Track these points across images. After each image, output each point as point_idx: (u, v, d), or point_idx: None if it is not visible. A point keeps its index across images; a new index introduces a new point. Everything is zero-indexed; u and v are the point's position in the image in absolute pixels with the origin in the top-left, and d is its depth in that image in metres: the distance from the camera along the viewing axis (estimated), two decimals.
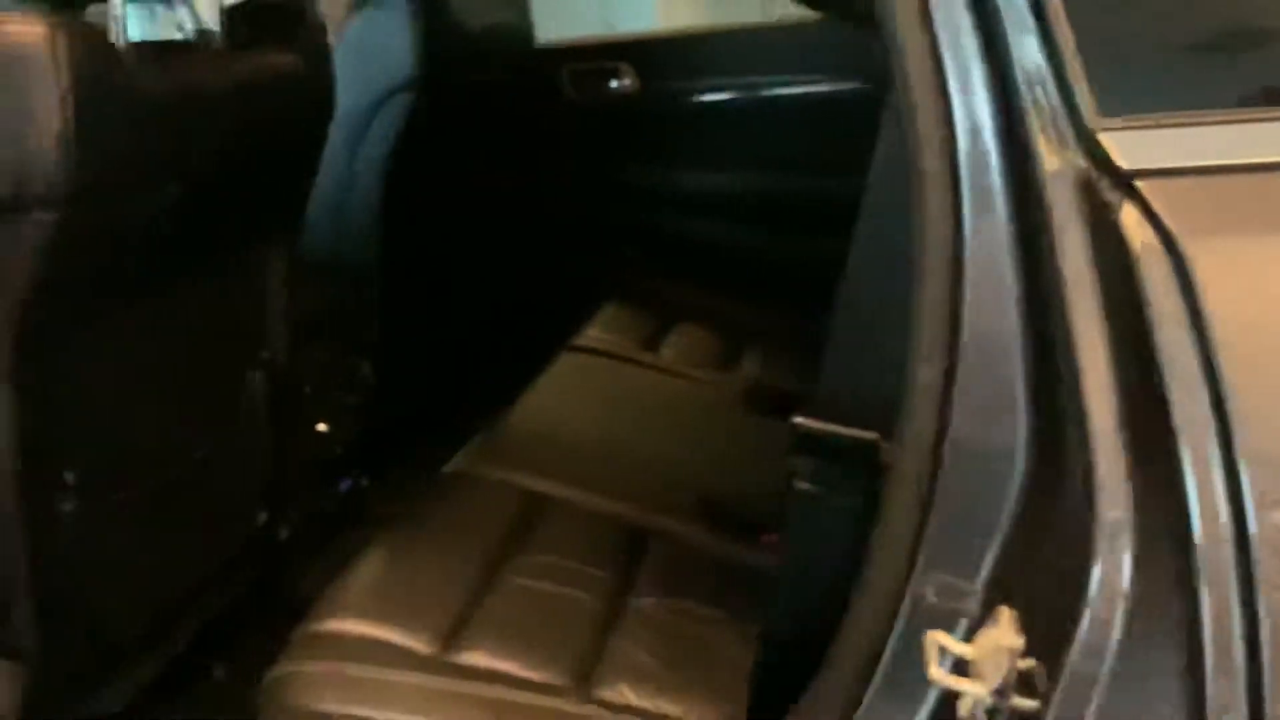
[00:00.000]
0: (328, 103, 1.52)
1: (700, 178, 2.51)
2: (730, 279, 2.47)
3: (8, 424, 1.16)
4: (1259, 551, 0.63)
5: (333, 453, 1.96)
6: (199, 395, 1.48)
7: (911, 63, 0.73)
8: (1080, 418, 0.62)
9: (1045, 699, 0.66)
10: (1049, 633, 0.68)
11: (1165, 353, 0.63)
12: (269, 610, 1.84)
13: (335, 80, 1.53)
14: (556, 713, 1.18)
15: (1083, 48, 0.67)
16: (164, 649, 1.52)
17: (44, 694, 1.27)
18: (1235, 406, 0.63)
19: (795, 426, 0.90)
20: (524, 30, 2.39)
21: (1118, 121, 0.69)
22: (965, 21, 0.70)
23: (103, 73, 1.08)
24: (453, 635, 1.26)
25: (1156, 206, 0.66)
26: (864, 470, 0.87)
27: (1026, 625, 0.70)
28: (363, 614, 1.26)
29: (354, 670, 1.18)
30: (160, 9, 1.25)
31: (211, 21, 1.32)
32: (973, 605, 0.76)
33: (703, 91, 2.49)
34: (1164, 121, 0.70)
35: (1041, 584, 0.71)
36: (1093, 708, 0.65)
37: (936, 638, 0.74)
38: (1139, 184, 0.67)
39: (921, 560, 0.77)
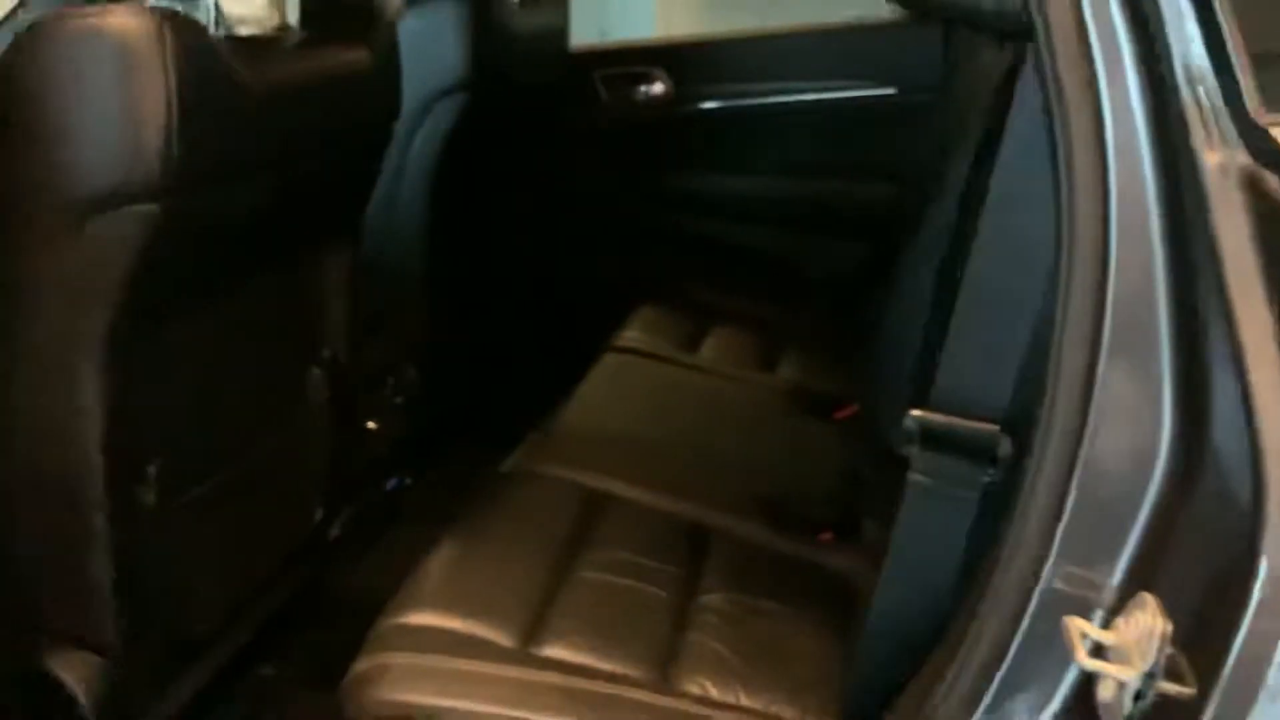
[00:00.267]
0: (396, 99, 1.53)
1: (732, 182, 2.53)
2: (764, 282, 2.49)
3: (95, 416, 1.16)
4: None
5: (380, 451, 1.97)
6: (266, 391, 1.49)
7: (1062, 60, 0.74)
8: (1248, 420, 0.63)
9: (1203, 692, 0.67)
10: (1199, 627, 0.69)
11: None
12: (316, 609, 1.84)
13: (401, 77, 1.54)
14: (642, 705, 1.19)
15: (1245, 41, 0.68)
16: (226, 647, 1.52)
17: (123, 688, 1.27)
18: None
19: (912, 419, 0.91)
20: (562, 33, 2.41)
21: None
22: (1118, 16, 0.72)
23: (206, 65, 1.09)
24: (532, 629, 1.26)
25: None
26: (983, 462, 0.88)
27: (1171, 614, 0.71)
28: (443, 607, 1.26)
29: (441, 663, 1.19)
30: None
31: (291, 16, 1.33)
32: (1108, 595, 0.77)
33: (735, 96, 2.52)
34: None
35: (1187, 577, 0.72)
36: (1256, 709, 0.66)
37: (1078, 624, 0.75)
38: None
39: (1057, 549, 0.78)
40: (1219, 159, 0.67)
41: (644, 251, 2.49)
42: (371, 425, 1.93)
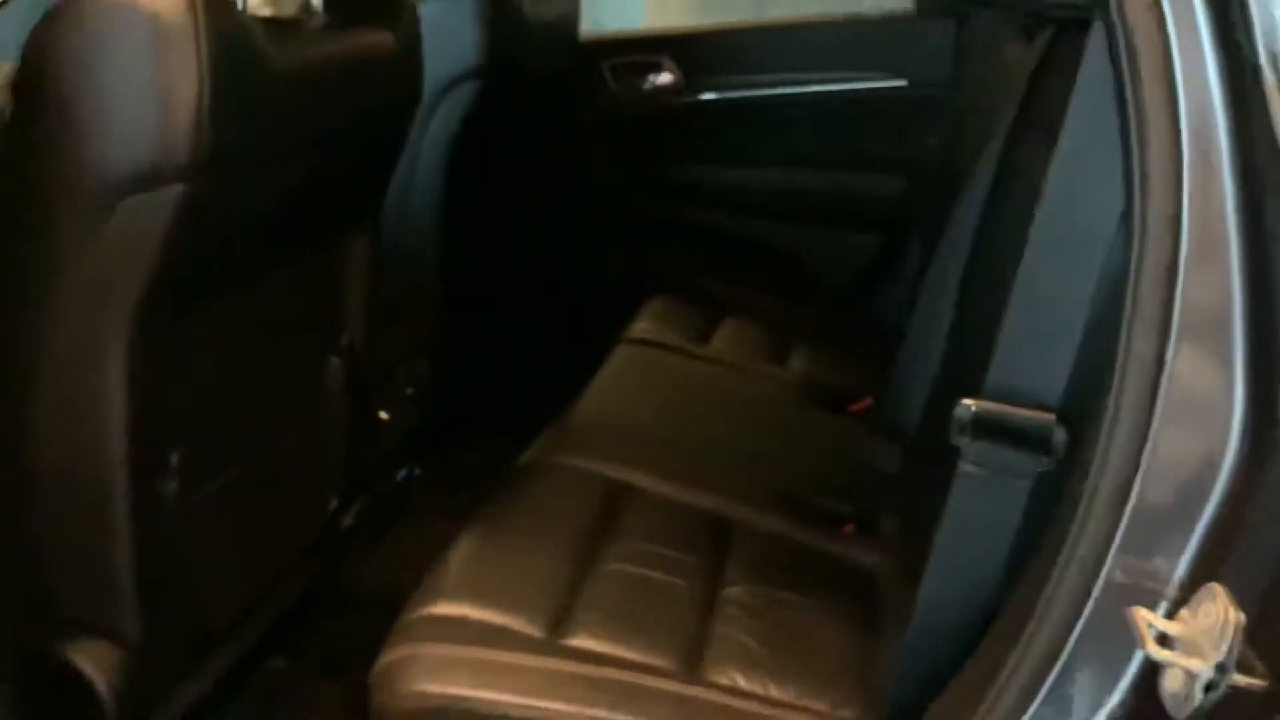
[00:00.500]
0: (418, 84, 1.51)
1: (741, 174, 2.52)
2: (773, 275, 2.48)
3: (119, 403, 1.14)
4: None
5: (391, 442, 1.95)
6: (286, 380, 1.47)
7: (1136, 32, 0.73)
8: None
9: (1277, 684, 0.66)
10: (1269, 619, 0.68)
11: None
12: (327, 600, 1.82)
13: (423, 61, 1.53)
14: (671, 695, 1.18)
15: None
16: (243, 639, 1.50)
17: (142, 679, 1.25)
18: None
19: (965, 409, 0.90)
20: (573, 22, 2.39)
21: None
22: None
23: (237, 44, 1.07)
24: (559, 619, 1.25)
25: None
26: (1037, 451, 0.87)
27: (1241, 606, 0.70)
28: (469, 598, 1.25)
29: (470, 653, 1.17)
30: None
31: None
32: (1173, 586, 0.76)
33: (744, 87, 2.51)
34: None
35: (1257, 568, 0.71)
36: None
37: (1144, 615, 0.74)
38: None
39: (1121, 539, 0.77)
40: None
41: (654, 244, 2.48)
42: (383, 415, 1.91)
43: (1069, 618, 0.79)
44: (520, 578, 1.31)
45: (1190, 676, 0.72)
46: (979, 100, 1.86)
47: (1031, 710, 0.81)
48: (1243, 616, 0.70)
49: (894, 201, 2.41)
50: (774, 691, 1.22)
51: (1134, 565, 0.78)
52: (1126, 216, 0.73)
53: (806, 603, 1.38)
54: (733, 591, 1.37)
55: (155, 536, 1.23)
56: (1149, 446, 0.75)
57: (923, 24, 2.45)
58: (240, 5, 1.15)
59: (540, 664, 1.17)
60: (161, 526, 1.24)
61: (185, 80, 1.02)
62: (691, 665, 1.23)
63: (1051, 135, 1.30)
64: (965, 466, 0.92)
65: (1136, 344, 0.72)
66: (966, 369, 1.40)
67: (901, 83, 2.43)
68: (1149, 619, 0.74)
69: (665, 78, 2.52)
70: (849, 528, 1.57)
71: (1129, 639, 0.78)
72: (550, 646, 1.21)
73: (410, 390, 1.98)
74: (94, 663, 1.21)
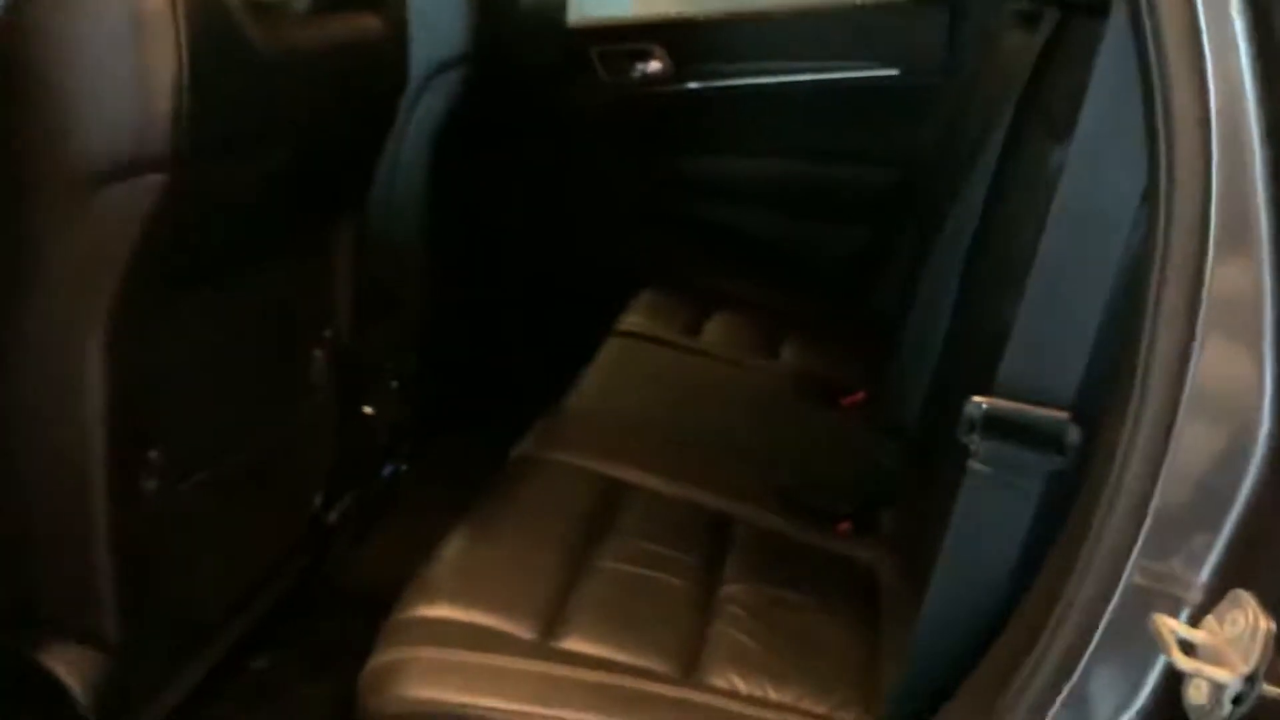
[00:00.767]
0: (404, 70, 1.47)
1: (732, 164, 2.48)
2: (764, 266, 2.45)
3: (97, 397, 1.10)
4: None
5: (378, 437, 1.91)
6: (270, 374, 1.43)
7: (1162, 13, 0.70)
8: None
9: None
10: None
11: None
12: (311, 598, 1.79)
13: (410, 46, 1.49)
14: (669, 700, 1.15)
15: None
16: (226, 639, 1.47)
17: (123, 683, 1.21)
18: None
19: (976, 406, 0.87)
20: (561, 8, 2.35)
21: None
22: None
23: (218, 26, 1.03)
24: (552, 621, 1.22)
25: None
26: (1049, 450, 0.85)
27: (1270, 613, 0.68)
28: (460, 599, 1.22)
29: (463, 657, 1.14)
30: None
31: None
32: (1197, 592, 0.73)
33: (735, 75, 2.47)
34: None
35: None
36: None
37: (1168, 623, 0.72)
38: None
39: (1142, 543, 0.74)
40: None
41: (643, 235, 2.44)
42: (368, 410, 1.87)
43: (1087, 624, 0.76)
44: (512, 578, 1.28)
45: (1217, 688, 0.69)
46: (977, 90, 1.83)
47: (1048, 718, 0.78)
48: (1273, 625, 0.67)
49: (887, 192, 2.38)
50: (773, 694, 1.19)
51: (1156, 569, 0.75)
52: (1149, 205, 0.70)
53: (805, 601, 1.35)
54: (730, 590, 1.34)
55: (135, 536, 1.19)
56: (1172, 444, 0.72)
57: (915, 12, 2.42)
58: None
59: (532, 668, 1.14)
60: (142, 526, 1.20)
61: (164, 65, 0.98)
62: (688, 668, 1.20)
63: (1056, 126, 1.28)
64: (975, 465, 0.89)
65: (1160, 337, 0.69)
66: (969, 364, 1.38)
67: (894, 72, 2.40)
68: (1173, 626, 0.72)
69: (655, 66, 2.48)
70: (847, 524, 1.55)
71: (1150, 646, 0.75)
72: (543, 650, 1.17)
73: (396, 384, 1.94)
74: (72, 667, 1.17)
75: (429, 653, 1.14)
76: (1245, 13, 0.67)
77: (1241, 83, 0.67)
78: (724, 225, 2.48)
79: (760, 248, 2.48)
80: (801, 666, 1.23)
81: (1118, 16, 0.79)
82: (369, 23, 1.36)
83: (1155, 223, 0.69)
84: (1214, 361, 0.69)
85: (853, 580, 1.44)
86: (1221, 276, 0.68)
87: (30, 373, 1.09)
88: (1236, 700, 0.68)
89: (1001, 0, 2.00)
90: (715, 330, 2.15)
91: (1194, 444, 0.72)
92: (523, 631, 1.19)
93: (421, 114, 1.91)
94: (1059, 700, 0.78)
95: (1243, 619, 0.69)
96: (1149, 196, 0.72)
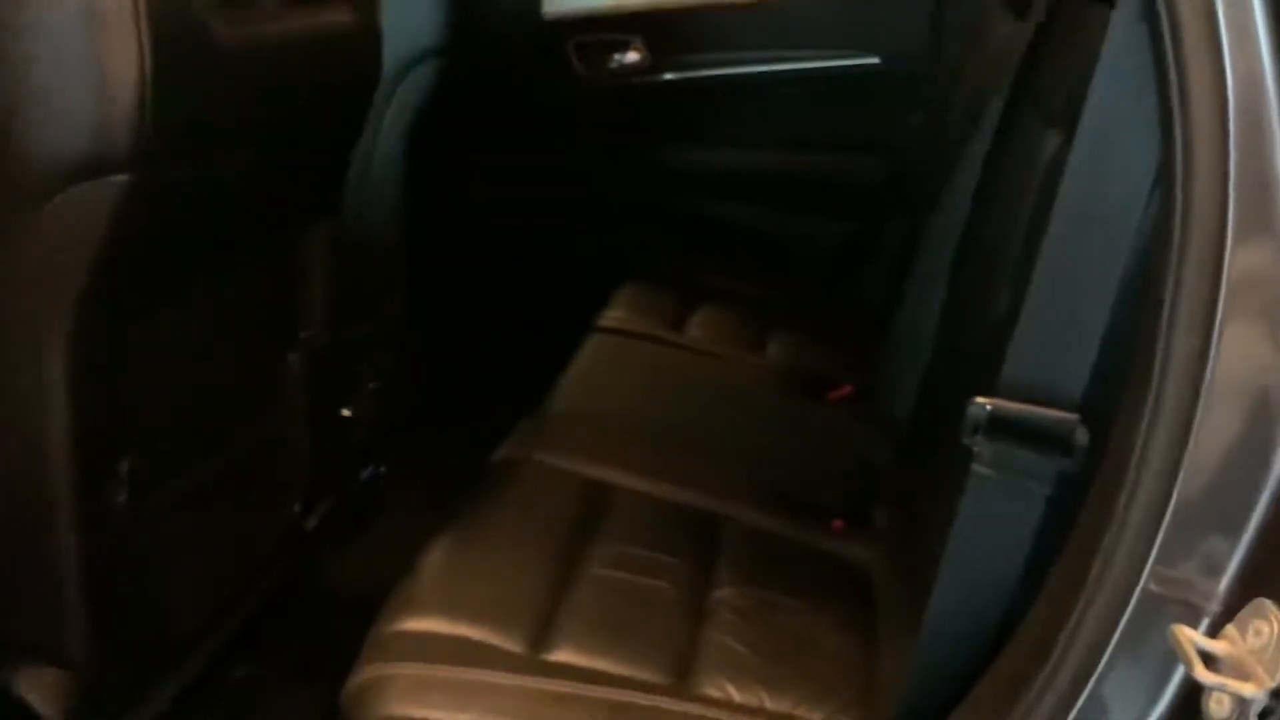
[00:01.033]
0: (377, 64, 1.43)
1: (712, 155, 2.45)
2: (746, 258, 2.41)
3: (60, 409, 1.06)
4: None
5: (356, 440, 1.86)
6: (243, 378, 1.39)
7: (1184, 11, 0.67)
8: None
9: None
10: None
11: None
12: (292, 605, 1.74)
13: (383, 39, 1.44)
14: (661, 712, 1.12)
15: None
16: (203, 651, 1.42)
17: (95, 703, 1.17)
18: None
19: (980, 407, 0.84)
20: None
21: None
22: None
23: (182, 19, 0.98)
24: (540, 632, 1.18)
25: None
26: (1056, 453, 0.82)
27: None
28: (444, 611, 1.18)
29: (448, 673, 1.10)
30: None
31: None
32: (1217, 601, 0.70)
33: (714, 66, 2.43)
34: None
35: None
36: None
37: (1187, 634, 0.69)
38: None
39: (1159, 548, 0.71)
40: None
41: (623, 228, 2.40)
42: (346, 413, 1.83)
43: (1102, 633, 0.73)
44: (497, 588, 1.24)
45: (1241, 702, 0.66)
46: (964, 77, 1.79)
47: None
48: None
49: (872, 183, 2.35)
50: (769, 702, 1.16)
51: (1173, 576, 0.72)
52: (1163, 191, 0.67)
53: (799, 604, 1.32)
54: (722, 594, 1.31)
55: (104, 552, 1.14)
56: (1190, 443, 0.69)
57: (895, 1, 2.38)
58: None
59: (521, 683, 1.10)
60: (112, 541, 1.15)
61: (125, 60, 0.93)
62: (681, 678, 1.17)
63: (1051, 112, 1.25)
64: (980, 469, 0.86)
65: (1178, 330, 0.66)
66: (962, 357, 1.35)
67: (875, 60, 2.37)
68: (1192, 637, 0.69)
69: (632, 56, 2.44)
70: (839, 522, 1.52)
71: (1167, 657, 0.72)
72: (531, 663, 1.14)
73: (374, 385, 1.90)
74: (42, 690, 1.13)
75: (413, 668, 1.10)
76: None
77: (1259, 60, 0.64)
78: (705, 217, 2.45)
79: (743, 239, 2.44)
80: (796, 671, 1.20)
81: (1122, 7, 0.76)
82: (340, 16, 1.31)
83: (1172, 208, 0.66)
84: (1235, 351, 0.66)
85: (847, 580, 1.41)
86: (1241, 260, 0.64)
87: None
88: (1263, 715, 0.65)
89: None
90: (699, 325, 2.11)
91: (1213, 442, 0.69)
92: (510, 644, 1.15)
93: (395, 109, 1.86)
94: (1073, 714, 0.75)
95: (1266, 629, 0.66)
96: (1163, 180, 0.68)
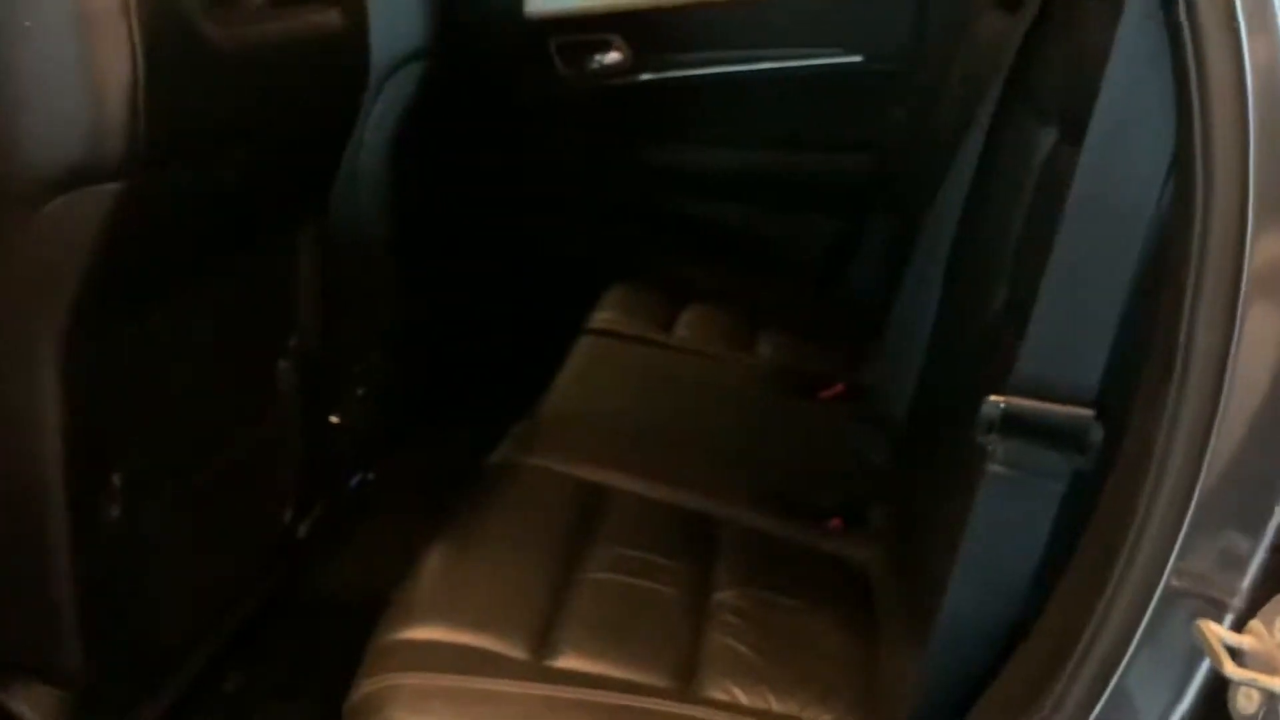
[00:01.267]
0: (365, 65, 1.41)
1: (697, 154, 2.44)
2: (733, 257, 2.41)
3: (54, 423, 1.03)
4: None
5: (345, 446, 1.85)
6: (235, 387, 1.36)
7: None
8: None
9: None
10: None
11: None
12: (281, 614, 1.72)
13: (370, 40, 1.42)
14: (669, 717, 1.11)
15: None
16: (194, 663, 1.40)
17: (89, 718, 1.15)
18: None
19: (994, 405, 0.83)
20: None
21: None
22: None
23: (175, 23, 0.96)
24: (543, 638, 1.17)
25: None
26: (1071, 450, 0.81)
27: None
28: (447, 620, 1.16)
29: (453, 682, 1.09)
30: None
31: None
32: (1239, 598, 0.70)
33: (697, 65, 2.42)
34: None
35: None
36: None
37: (1214, 630, 0.68)
38: None
39: (1180, 545, 0.71)
40: None
41: (610, 228, 2.39)
42: (334, 419, 1.81)
43: (1126, 629, 0.73)
44: (498, 595, 1.22)
45: (1270, 697, 0.66)
46: (952, 74, 1.80)
47: None
48: None
49: (857, 179, 2.35)
50: (775, 704, 1.15)
51: (1196, 571, 0.72)
52: (1182, 185, 0.66)
53: (799, 605, 1.31)
54: (723, 597, 1.30)
55: (98, 566, 1.12)
56: (1213, 439, 0.69)
57: None
58: None
59: (526, 690, 1.09)
60: (105, 554, 1.13)
61: (118, 65, 0.91)
62: (686, 681, 1.16)
63: (1045, 108, 1.25)
64: (994, 468, 0.85)
65: (1199, 325, 0.66)
66: (960, 353, 1.34)
67: (858, 58, 2.37)
68: (1219, 633, 0.68)
69: (614, 56, 2.42)
70: (836, 522, 1.51)
71: (1191, 653, 0.72)
72: (535, 670, 1.12)
73: (362, 391, 1.88)
74: (35, 707, 1.11)
75: (417, 678, 1.08)
76: None
77: (1277, 47, 0.64)
78: (691, 216, 2.44)
79: (729, 238, 2.44)
80: (801, 673, 1.20)
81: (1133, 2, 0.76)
82: (329, 17, 1.29)
83: (1192, 200, 0.66)
84: (1256, 345, 0.66)
85: (846, 580, 1.40)
86: (1262, 250, 0.64)
87: None
88: None
89: None
90: (688, 324, 2.10)
91: (1235, 438, 0.68)
92: (514, 651, 1.14)
93: (381, 111, 1.84)
94: (1097, 710, 0.75)
95: None
96: (1178, 173, 0.68)
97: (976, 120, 1.37)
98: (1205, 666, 0.72)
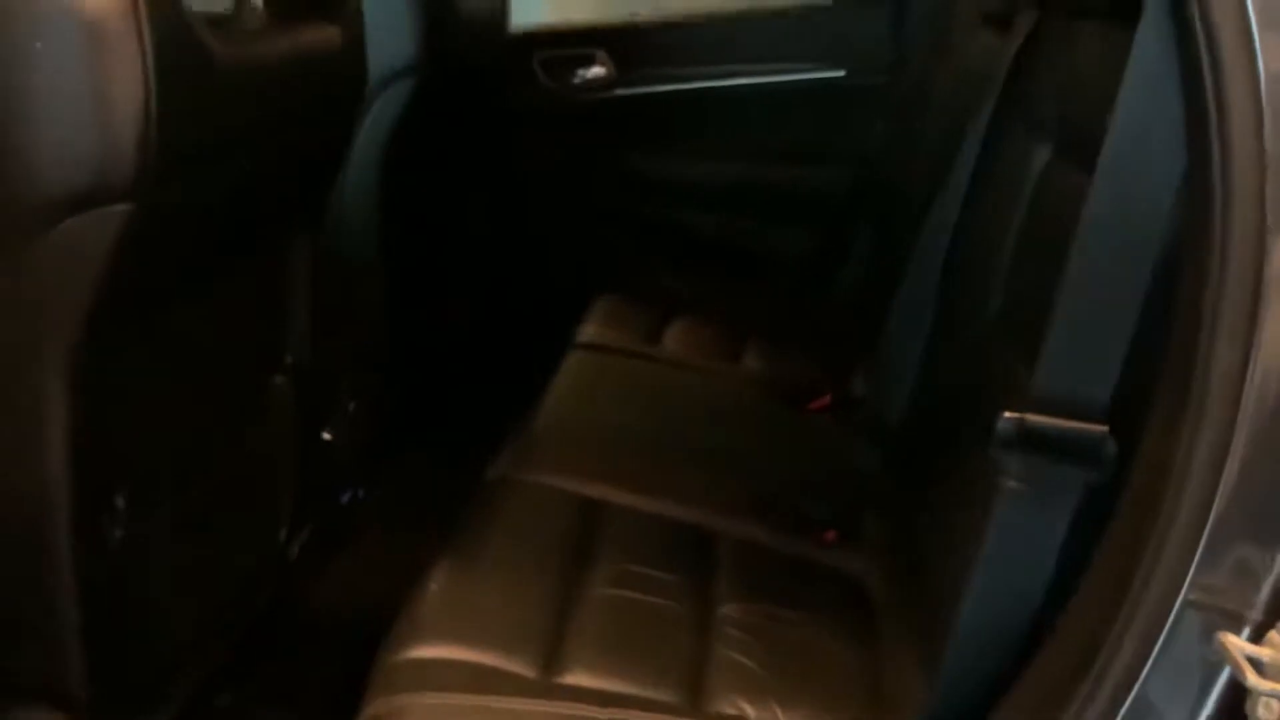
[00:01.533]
0: (362, 80, 1.41)
1: (681, 167, 2.46)
2: (717, 269, 2.42)
3: (60, 444, 1.03)
4: None
5: (336, 463, 1.83)
6: (230, 404, 1.36)
7: (1214, 9, 0.67)
8: None
9: None
10: None
11: None
12: (273, 632, 1.71)
13: (367, 56, 1.42)
14: None
15: None
16: (192, 680, 1.39)
17: None
18: None
19: (1009, 422, 0.85)
20: (503, 14, 2.29)
21: None
22: None
23: (184, 44, 0.96)
24: (552, 655, 1.17)
25: None
26: (1086, 464, 0.83)
27: None
28: (453, 638, 1.16)
29: (465, 700, 1.08)
30: None
31: None
32: (1257, 610, 0.72)
33: (680, 80, 2.44)
34: None
35: None
36: None
37: (1235, 642, 0.70)
38: None
39: (1199, 560, 0.72)
40: None
41: (596, 240, 2.40)
42: (327, 435, 1.80)
43: (1147, 641, 0.75)
44: (503, 612, 1.22)
45: None
46: (937, 89, 1.82)
47: None
48: None
49: (840, 191, 2.37)
50: (782, 716, 1.16)
51: (1214, 585, 0.73)
52: (1197, 201, 0.67)
53: (801, 617, 1.32)
54: (725, 611, 1.30)
55: (102, 588, 1.11)
56: (1231, 454, 0.70)
57: (859, 13, 2.41)
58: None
59: (537, 708, 1.09)
60: (109, 576, 1.12)
61: (129, 87, 0.90)
62: (694, 695, 1.16)
63: (1039, 125, 1.27)
64: (1009, 482, 0.87)
65: (1219, 343, 0.67)
66: (956, 367, 1.36)
67: (840, 73, 2.40)
68: (1240, 645, 0.70)
69: (597, 71, 2.44)
70: (830, 534, 1.52)
71: (1210, 665, 0.74)
72: (545, 687, 1.12)
73: (353, 406, 1.87)
74: None
75: (429, 698, 1.08)
76: None
77: None
78: (675, 228, 2.46)
79: (713, 249, 2.46)
80: (806, 684, 1.20)
81: (1150, 13, 0.78)
82: (328, 33, 1.29)
83: (1208, 217, 0.67)
84: (1274, 358, 0.67)
85: (844, 592, 1.41)
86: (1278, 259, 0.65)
87: None
88: None
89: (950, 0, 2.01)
90: (675, 337, 2.11)
91: (1253, 453, 0.70)
92: (523, 669, 1.14)
93: (370, 125, 1.84)
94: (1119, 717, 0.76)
95: None
96: (1193, 189, 0.69)
97: (969, 135, 1.39)
98: (1224, 678, 0.73)
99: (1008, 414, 0.85)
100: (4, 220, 0.94)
